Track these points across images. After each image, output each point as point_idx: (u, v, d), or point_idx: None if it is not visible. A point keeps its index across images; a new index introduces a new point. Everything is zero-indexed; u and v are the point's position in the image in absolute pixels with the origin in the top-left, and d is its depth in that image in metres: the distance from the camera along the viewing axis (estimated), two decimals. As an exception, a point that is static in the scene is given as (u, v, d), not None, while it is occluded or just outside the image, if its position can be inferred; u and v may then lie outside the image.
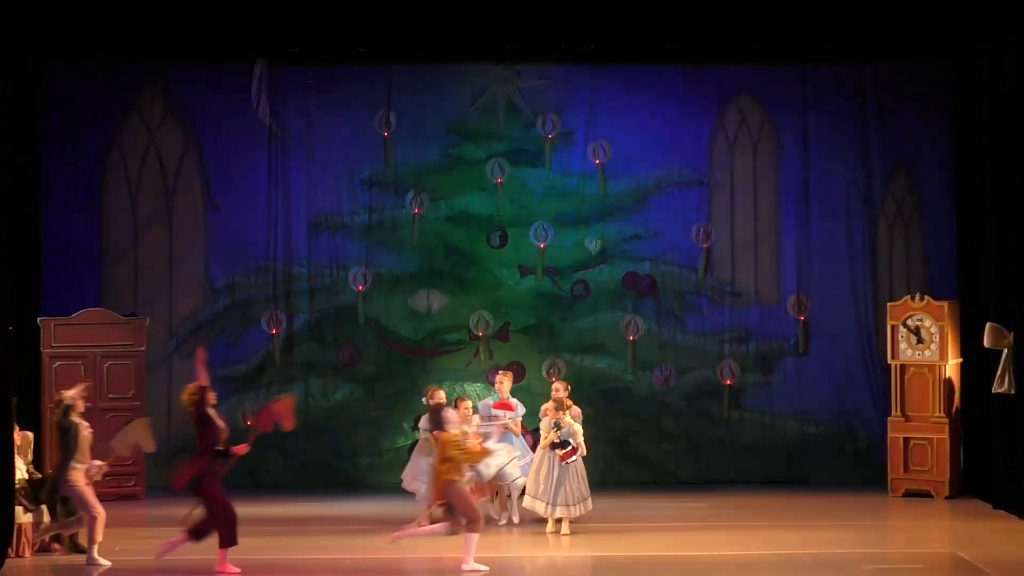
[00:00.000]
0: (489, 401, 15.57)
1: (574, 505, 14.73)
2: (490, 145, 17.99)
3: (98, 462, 13.64)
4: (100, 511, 13.33)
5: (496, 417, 15.32)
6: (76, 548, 13.77)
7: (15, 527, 13.50)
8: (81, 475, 13.41)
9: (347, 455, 17.71)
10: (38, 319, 16.65)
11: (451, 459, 13.18)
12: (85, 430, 13.50)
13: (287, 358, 17.79)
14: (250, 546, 13.50)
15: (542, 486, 14.72)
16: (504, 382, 15.62)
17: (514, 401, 15.54)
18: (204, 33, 16.42)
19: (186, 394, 13.22)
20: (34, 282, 17.01)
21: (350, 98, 17.84)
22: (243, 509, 15.37)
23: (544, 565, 13.77)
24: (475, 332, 17.85)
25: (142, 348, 16.85)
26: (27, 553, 13.62)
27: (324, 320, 17.87)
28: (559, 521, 14.69)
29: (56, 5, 15.71)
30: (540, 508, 14.75)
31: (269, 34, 16.63)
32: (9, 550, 13.38)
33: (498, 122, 17.95)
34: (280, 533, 14.83)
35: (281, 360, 17.75)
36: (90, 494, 13.39)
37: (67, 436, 13.39)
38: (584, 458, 14.92)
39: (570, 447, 14.70)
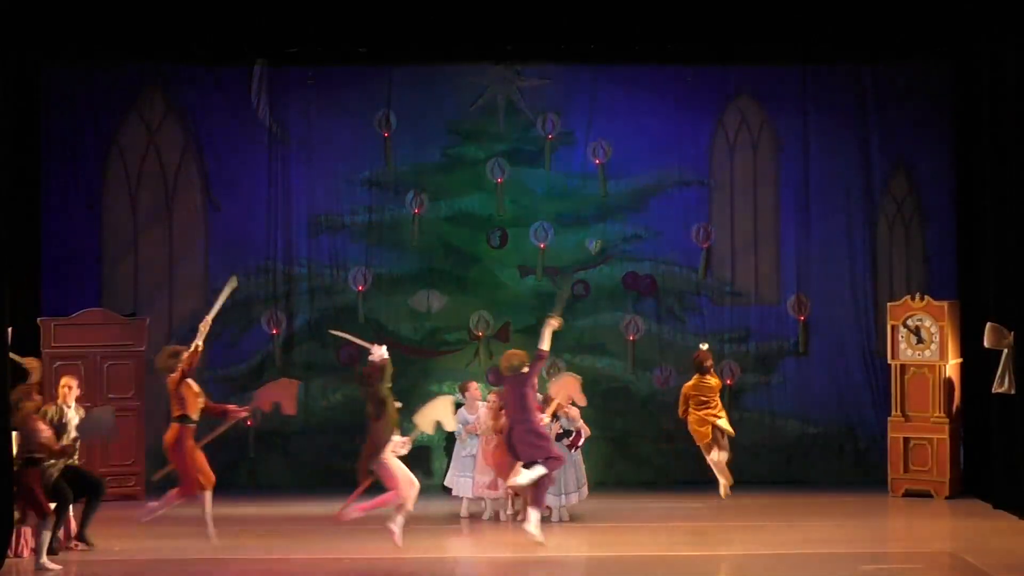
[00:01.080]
0: None
1: (569, 493, 15.13)
2: (490, 145, 17.99)
3: (404, 438, 13.57)
4: (415, 482, 13.35)
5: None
6: (84, 540, 13.88)
7: (15, 527, 13.49)
8: (390, 451, 13.39)
9: (347, 455, 17.66)
10: (38, 319, 16.65)
11: None
12: (396, 407, 13.52)
13: (287, 358, 17.79)
14: (250, 546, 13.52)
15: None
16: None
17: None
18: (204, 33, 16.43)
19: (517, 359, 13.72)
20: (34, 282, 17.01)
21: (350, 98, 17.84)
22: (243, 509, 15.45)
23: (543, 564, 13.76)
24: (475, 332, 17.85)
25: (142, 348, 16.84)
26: (25, 553, 13.60)
27: (324, 320, 17.87)
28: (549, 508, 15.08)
29: (56, 5, 15.72)
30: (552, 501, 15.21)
31: (269, 34, 16.63)
32: (8, 550, 13.38)
33: (498, 122, 17.95)
34: (280, 533, 14.83)
35: (281, 360, 17.75)
36: (403, 468, 13.39)
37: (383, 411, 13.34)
38: (584, 452, 15.18)
39: (574, 433, 15.04)
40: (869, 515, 15.80)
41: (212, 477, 13.56)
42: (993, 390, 15.42)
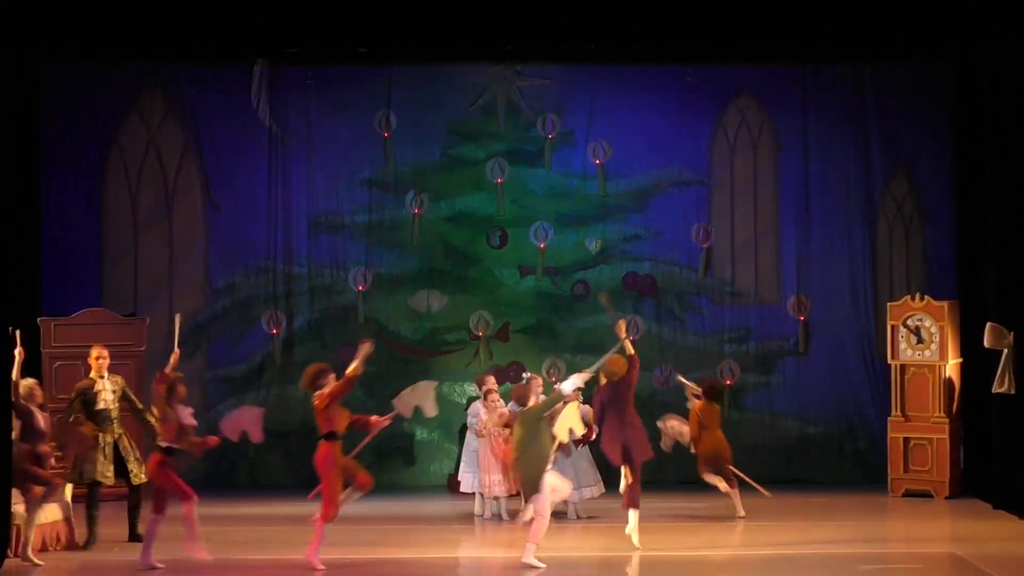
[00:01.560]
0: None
1: (587, 488, 15.35)
2: (490, 145, 18.00)
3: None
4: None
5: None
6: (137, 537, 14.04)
7: (15, 527, 13.48)
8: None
9: (347, 455, 17.65)
10: (38, 319, 16.65)
11: None
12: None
13: (287, 358, 17.78)
14: (251, 546, 13.51)
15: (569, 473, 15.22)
16: (537, 383, 15.78)
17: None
18: (204, 33, 16.42)
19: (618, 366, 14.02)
20: (34, 282, 17.00)
21: (350, 98, 17.85)
22: (243, 509, 15.44)
23: (543, 564, 13.75)
24: (475, 332, 17.86)
25: (142, 348, 16.83)
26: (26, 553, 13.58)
27: (324, 320, 17.88)
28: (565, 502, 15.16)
29: (56, 5, 15.71)
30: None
31: (269, 34, 16.63)
32: (8, 550, 13.37)
33: (498, 122, 17.96)
34: (280, 533, 14.83)
35: (281, 360, 17.75)
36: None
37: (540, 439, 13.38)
38: (590, 450, 15.48)
39: (587, 429, 15.07)
40: (869, 515, 15.79)
41: (370, 477, 13.40)
42: (993, 390, 15.41)
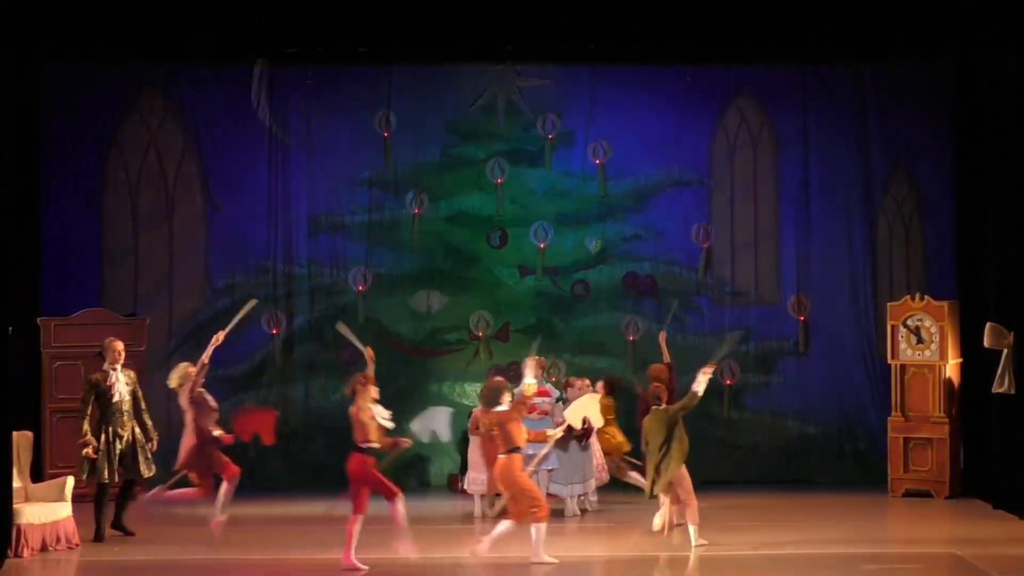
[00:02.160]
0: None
1: (577, 483, 15.45)
2: (490, 145, 18.00)
3: None
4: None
5: (535, 405, 15.50)
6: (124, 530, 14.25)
7: (15, 527, 13.48)
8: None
9: (347, 455, 17.65)
10: (38, 319, 16.65)
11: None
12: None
13: (287, 358, 17.79)
14: (251, 546, 13.52)
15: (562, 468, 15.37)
16: (534, 364, 15.85)
17: (549, 387, 15.80)
18: (204, 33, 16.42)
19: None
20: (34, 282, 17.00)
21: (350, 98, 17.85)
22: (243, 509, 15.44)
23: (542, 565, 13.75)
24: (475, 332, 17.86)
25: (142, 348, 16.81)
26: (25, 553, 13.58)
27: (324, 320, 17.87)
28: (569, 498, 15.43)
29: (56, 5, 15.71)
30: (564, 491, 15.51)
31: (269, 34, 16.63)
32: (8, 550, 13.37)
33: (498, 122, 17.96)
34: (280, 533, 14.83)
35: (281, 360, 17.74)
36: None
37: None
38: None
39: (586, 427, 15.23)
40: (869, 515, 15.80)
41: (547, 505, 13.45)
42: (993, 390, 15.42)
